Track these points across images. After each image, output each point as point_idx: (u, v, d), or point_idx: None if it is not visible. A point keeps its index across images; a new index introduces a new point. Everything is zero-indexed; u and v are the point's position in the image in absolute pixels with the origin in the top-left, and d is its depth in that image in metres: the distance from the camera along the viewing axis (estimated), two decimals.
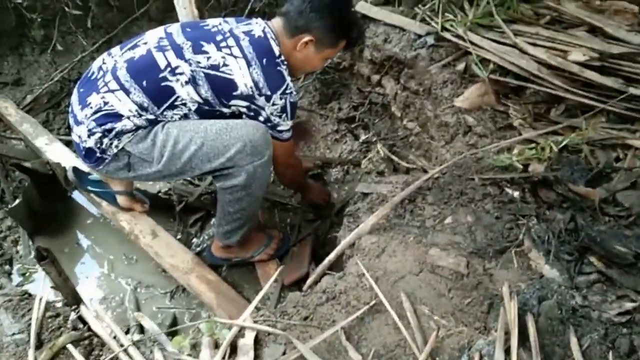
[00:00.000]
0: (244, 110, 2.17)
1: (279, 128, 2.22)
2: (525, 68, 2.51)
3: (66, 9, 3.13)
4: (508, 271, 1.91)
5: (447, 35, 2.76)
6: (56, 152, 2.86)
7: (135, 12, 3.33)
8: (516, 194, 2.12)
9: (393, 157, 2.65)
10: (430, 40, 2.79)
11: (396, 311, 1.77)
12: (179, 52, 2.07)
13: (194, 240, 3.00)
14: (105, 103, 2.12)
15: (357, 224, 2.11)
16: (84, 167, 2.69)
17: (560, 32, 2.58)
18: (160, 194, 3.04)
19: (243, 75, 2.03)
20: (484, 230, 2.01)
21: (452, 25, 2.73)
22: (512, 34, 2.57)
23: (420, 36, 2.83)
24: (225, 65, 2.04)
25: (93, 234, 2.99)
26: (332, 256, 2.02)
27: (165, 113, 2.16)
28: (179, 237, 2.99)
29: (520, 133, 2.40)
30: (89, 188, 2.73)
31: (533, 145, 2.28)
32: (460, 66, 2.67)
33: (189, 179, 3.08)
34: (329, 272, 1.98)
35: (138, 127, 2.18)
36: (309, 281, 2.01)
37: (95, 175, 2.75)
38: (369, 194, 2.28)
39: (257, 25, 2.12)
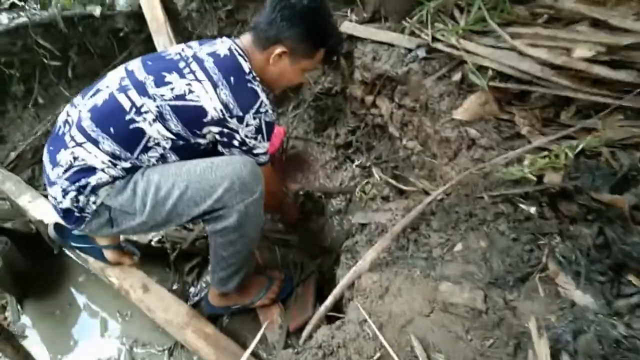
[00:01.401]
0: (217, 136, 1.87)
1: (254, 151, 1.93)
2: (527, 71, 2.17)
3: (45, 61, 2.88)
4: (534, 302, 1.55)
5: (439, 45, 2.43)
6: (39, 209, 2.58)
7: (116, 57, 3.07)
8: (533, 209, 1.76)
9: (391, 180, 2.31)
10: (421, 53, 2.47)
11: None
12: (141, 89, 1.78)
13: (191, 289, 2.67)
14: (75, 158, 1.84)
15: (355, 260, 1.77)
16: None
17: (561, 30, 2.23)
18: (152, 243, 2.72)
19: (211, 99, 1.74)
20: (500, 255, 1.66)
21: (443, 35, 2.41)
22: (508, 37, 2.24)
23: (410, 50, 2.52)
24: (190, 92, 1.75)
25: (85, 291, 2.68)
26: (328, 302, 1.68)
27: (140, 157, 1.86)
28: (175, 287, 2.66)
29: (529, 141, 2.05)
30: (73, 244, 2.42)
31: (545, 153, 1.92)
32: (456, 76, 2.34)
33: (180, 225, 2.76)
34: (334, 315, 1.63)
35: (115, 178, 1.89)
36: (305, 334, 1.66)
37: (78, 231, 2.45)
38: (367, 225, 1.94)
39: (222, 44, 1.84)
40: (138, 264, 2.52)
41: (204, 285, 2.65)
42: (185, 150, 1.92)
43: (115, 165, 1.87)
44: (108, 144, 1.84)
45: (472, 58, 2.30)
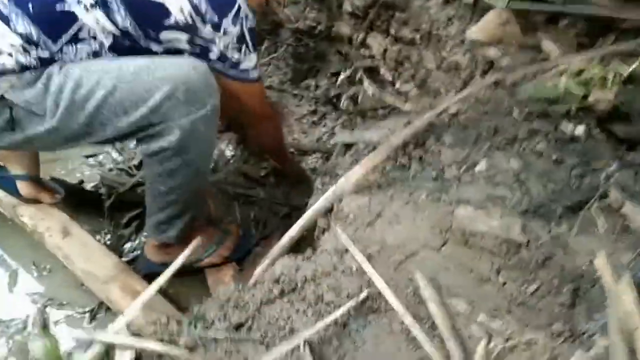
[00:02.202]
0: (185, 46, 1.37)
1: (242, 66, 1.44)
2: None
3: None
4: (592, 237, 1.03)
5: None
6: None
7: None
8: (579, 129, 1.26)
9: (411, 87, 1.77)
10: None
11: (407, 307, 0.88)
12: None
13: (127, 245, 2.08)
14: None
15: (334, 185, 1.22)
16: None
17: None
18: (83, 185, 2.14)
19: None
20: (539, 179, 1.15)
21: None
22: None
23: None
24: None
25: None
26: (293, 231, 1.12)
27: (65, 49, 1.33)
28: (108, 241, 2.06)
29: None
30: None
31: (587, 73, 1.42)
32: None
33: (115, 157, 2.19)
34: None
35: (24, 68, 1.32)
36: (258, 271, 1.11)
37: None
38: (353, 145, 1.40)
39: None
40: (61, 206, 1.93)
41: (143, 240, 2.07)
42: (128, 53, 1.39)
43: (27, 51, 1.32)
44: (22, 24, 1.29)
45: None
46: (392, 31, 2.11)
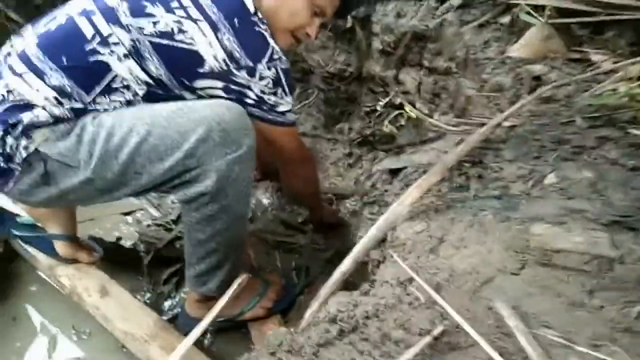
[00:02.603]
0: (220, 93, 1.32)
1: (278, 109, 1.37)
2: None
3: None
4: None
5: None
6: None
7: None
8: None
9: (429, 119, 1.65)
10: (456, 1, 1.89)
11: (491, 342, 0.73)
12: (111, 16, 1.26)
13: (167, 302, 1.96)
14: (10, 92, 1.27)
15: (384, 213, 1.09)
16: (8, 204, 1.77)
17: None
18: (121, 242, 2.06)
19: (210, 44, 1.22)
20: (618, 188, 0.99)
21: None
22: None
23: (442, 1, 1.94)
24: (181, 31, 1.22)
25: (36, 303, 1.97)
26: (346, 263, 0.98)
27: (98, 100, 1.28)
28: (147, 299, 1.95)
29: (615, 72, 1.41)
30: (15, 233, 1.76)
31: None
32: (505, 19, 1.75)
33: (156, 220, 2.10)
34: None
35: (57, 120, 1.27)
36: (308, 313, 0.97)
37: (25, 217, 1.79)
38: (401, 170, 1.27)
39: None
40: (100, 265, 1.84)
41: (183, 296, 1.95)
42: (163, 102, 1.33)
43: (60, 103, 1.27)
44: (57, 77, 1.25)
45: None
46: (426, 63, 2.01)
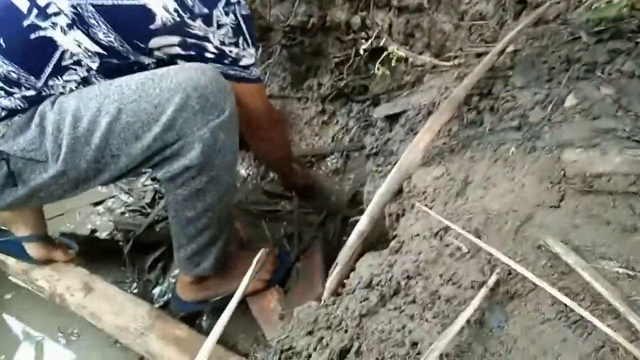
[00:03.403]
0: (177, 50, 1.16)
1: (242, 63, 1.22)
2: None
3: None
4: None
5: None
6: None
7: None
8: None
9: (420, 56, 1.54)
10: None
11: (552, 284, 0.64)
12: None
13: (156, 289, 1.84)
14: None
15: (393, 163, 0.99)
16: None
17: None
18: (97, 234, 1.92)
19: None
20: None
21: None
22: None
23: None
24: None
25: (14, 309, 1.84)
26: (363, 222, 0.88)
27: (51, 83, 1.11)
28: (134, 289, 1.83)
29: None
30: None
31: None
32: None
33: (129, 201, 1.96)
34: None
35: (11, 112, 1.11)
36: (331, 281, 0.87)
37: None
38: (401, 115, 1.17)
39: None
40: (77, 261, 1.70)
41: (172, 281, 1.83)
42: (121, 73, 1.17)
43: (9, 93, 1.10)
44: None
45: None
46: (395, 2, 1.89)
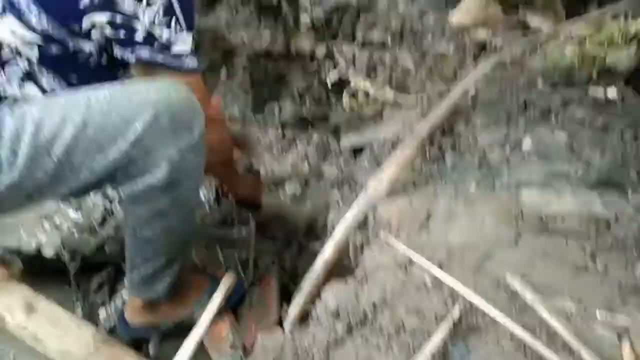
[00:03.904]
0: (107, 31, 1.09)
1: (174, 49, 1.15)
2: None
3: None
4: None
5: None
6: None
7: None
8: (612, 91, 1.11)
9: (389, 91, 1.58)
10: None
11: (511, 319, 0.68)
12: None
13: (101, 312, 1.77)
14: None
15: (358, 192, 1.01)
16: None
17: None
18: (41, 251, 1.84)
19: None
20: (594, 147, 0.98)
21: None
22: None
23: None
24: None
25: None
26: (328, 250, 0.90)
27: None
28: (78, 312, 1.75)
29: (558, 35, 1.42)
30: None
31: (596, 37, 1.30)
32: None
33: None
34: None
35: None
36: (293, 310, 0.87)
37: None
38: (366, 147, 1.19)
39: None
40: (20, 279, 1.62)
41: (119, 304, 1.76)
42: (65, 64, 1.12)
43: None
44: None
45: None
46: (359, 36, 1.95)
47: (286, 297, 1.60)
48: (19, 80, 1.10)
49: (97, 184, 1.10)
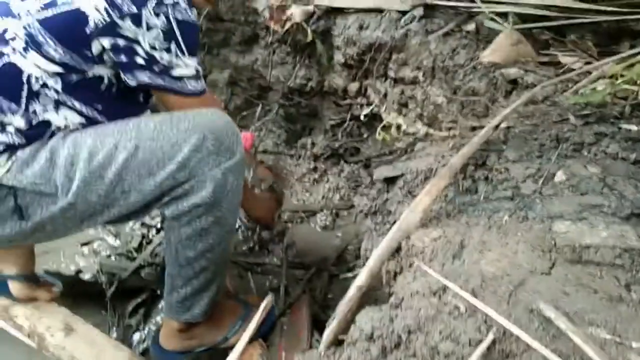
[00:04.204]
0: (112, 56, 1.17)
1: (175, 72, 1.19)
2: (560, 5, 1.63)
3: None
4: None
5: (441, 1, 1.89)
6: None
7: None
8: None
9: (420, 126, 1.62)
10: (419, 12, 1.90)
11: (545, 346, 0.69)
12: (3, 9, 1.16)
13: (135, 335, 1.81)
14: None
15: (390, 223, 1.04)
16: None
17: None
18: (80, 275, 1.90)
19: None
20: (627, 181, 1.00)
21: None
22: None
23: (404, 12, 1.94)
24: None
25: None
26: (362, 277, 0.92)
27: (31, 108, 1.16)
28: (113, 335, 1.80)
29: (589, 72, 1.45)
30: None
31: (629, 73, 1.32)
32: (470, 27, 1.78)
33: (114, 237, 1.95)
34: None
35: (9, 147, 1.14)
36: (327, 334, 0.89)
37: None
38: (399, 177, 1.23)
39: None
40: (60, 301, 1.68)
41: (152, 328, 1.80)
42: (88, 91, 1.19)
43: (2, 126, 1.14)
44: None
45: (487, 6, 1.76)
46: (392, 74, 2.01)
47: (317, 326, 1.62)
48: (53, 108, 1.17)
49: (145, 207, 1.17)
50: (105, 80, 1.19)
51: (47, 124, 1.16)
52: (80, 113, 1.18)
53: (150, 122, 1.16)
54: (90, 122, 1.19)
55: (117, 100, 1.22)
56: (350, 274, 1.68)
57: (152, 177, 1.10)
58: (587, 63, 1.53)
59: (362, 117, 1.80)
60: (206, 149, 1.10)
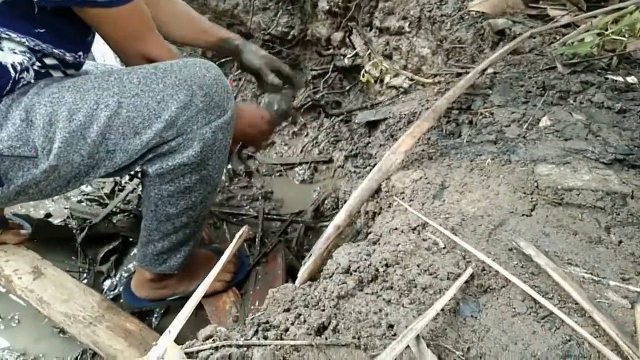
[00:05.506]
0: None
1: None
2: None
3: None
4: None
5: None
6: None
7: None
8: (631, 78, 1.11)
9: (403, 72, 1.59)
10: None
11: (524, 282, 0.68)
12: None
13: (106, 282, 1.79)
14: None
15: (370, 165, 1.02)
16: None
17: None
18: (50, 219, 1.85)
19: None
20: (612, 129, 0.98)
21: None
22: None
23: None
24: None
25: None
26: (341, 216, 0.90)
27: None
28: (84, 280, 1.77)
29: (578, 25, 1.43)
30: None
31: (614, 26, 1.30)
32: None
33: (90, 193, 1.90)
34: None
35: None
36: (303, 271, 0.88)
37: None
38: (382, 121, 1.20)
39: None
40: (28, 244, 1.64)
41: (124, 275, 1.78)
42: (20, 20, 1.06)
43: None
44: None
45: None
46: (377, 23, 1.95)
47: (292, 275, 1.61)
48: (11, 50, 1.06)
49: (131, 165, 1.10)
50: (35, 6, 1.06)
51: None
52: (21, 44, 1.07)
53: (134, 75, 1.07)
54: (36, 54, 1.08)
55: (55, 23, 1.09)
56: (327, 224, 1.67)
57: (138, 137, 1.03)
58: (576, 16, 1.50)
59: (345, 62, 1.74)
60: (195, 106, 1.04)
